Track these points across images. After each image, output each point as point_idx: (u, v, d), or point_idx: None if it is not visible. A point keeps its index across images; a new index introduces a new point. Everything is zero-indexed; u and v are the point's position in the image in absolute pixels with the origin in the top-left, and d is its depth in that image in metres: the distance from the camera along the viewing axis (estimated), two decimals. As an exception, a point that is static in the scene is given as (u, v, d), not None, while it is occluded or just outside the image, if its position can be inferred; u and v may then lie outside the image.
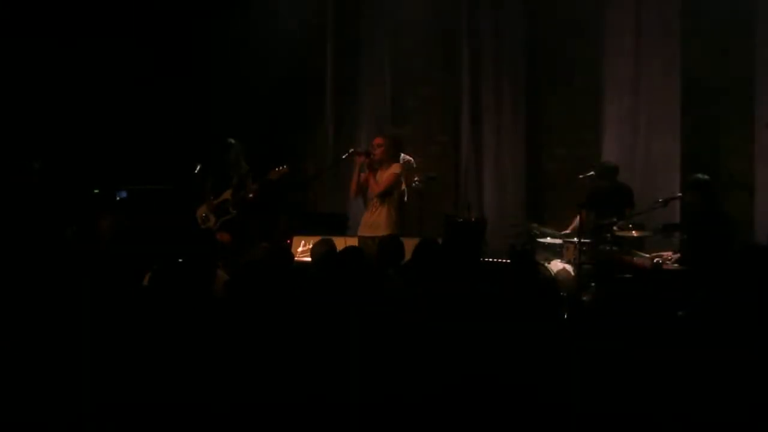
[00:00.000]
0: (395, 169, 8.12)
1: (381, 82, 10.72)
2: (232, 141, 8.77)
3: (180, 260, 5.91)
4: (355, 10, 10.78)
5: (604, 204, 8.54)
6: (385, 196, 8.01)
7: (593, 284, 8.07)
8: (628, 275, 7.75)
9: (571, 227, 8.64)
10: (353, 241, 7.56)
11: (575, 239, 8.21)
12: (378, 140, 8.17)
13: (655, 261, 7.70)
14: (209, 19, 10.73)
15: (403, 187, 8.28)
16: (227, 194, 8.67)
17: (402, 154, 8.80)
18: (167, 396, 3.82)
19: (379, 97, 10.72)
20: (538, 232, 8.87)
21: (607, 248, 8.18)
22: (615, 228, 8.16)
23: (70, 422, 3.75)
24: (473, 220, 9.22)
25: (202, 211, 8.77)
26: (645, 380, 3.77)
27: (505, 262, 7.86)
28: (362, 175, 8.13)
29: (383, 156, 8.04)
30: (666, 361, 3.87)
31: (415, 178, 8.77)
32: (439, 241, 6.65)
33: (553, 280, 7.57)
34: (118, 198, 9.62)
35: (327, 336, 4.31)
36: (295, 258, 8.26)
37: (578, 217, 8.37)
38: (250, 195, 8.60)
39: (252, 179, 8.70)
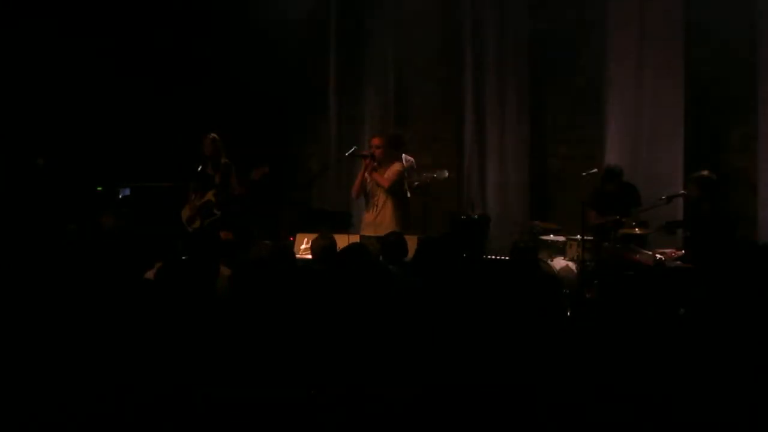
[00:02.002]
0: (398, 166, 8.12)
1: (384, 80, 10.73)
2: (214, 135, 8.73)
3: (183, 257, 5.94)
4: (358, 8, 10.78)
5: (611, 206, 8.54)
6: (390, 193, 8.00)
7: (596, 281, 8.07)
8: (630, 272, 7.75)
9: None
10: (356, 239, 7.55)
11: (578, 237, 8.21)
12: (376, 141, 8.14)
13: (657, 258, 7.71)
14: (212, 17, 10.73)
15: (405, 185, 8.29)
16: (210, 195, 8.62)
17: (403, 155, 8.80)
18: (168, 392, 3.83)
19: (382, 95, 10.73)
20: (541, 230, 8.88)
21: (610, 245, 8.19)
22: (619, 226, 8.17)
23: (72, 418, 3.76)
24: (476, 217, 9.22)
25: (186, 213, 8.73)
26: (646, 377, 3.78)
27: (507, 259, 7.87)
28: (366, 176, 8.11)
29: (383, 156, 8.03)
30: (667, 358, 3.88)
31: (415, 183, 8.77)
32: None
33: (555, 276, 7.58)
34: (120, 195, 9.64)
35: (331, 332, 4.33)
36: (299, 255, 8.28)
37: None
38: (236, 192, 8.57)
39: (236, 176, 8.67)
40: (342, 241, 6.67)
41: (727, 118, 9.50)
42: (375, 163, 8.06)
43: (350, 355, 4.17)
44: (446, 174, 9.01)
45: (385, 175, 8.02)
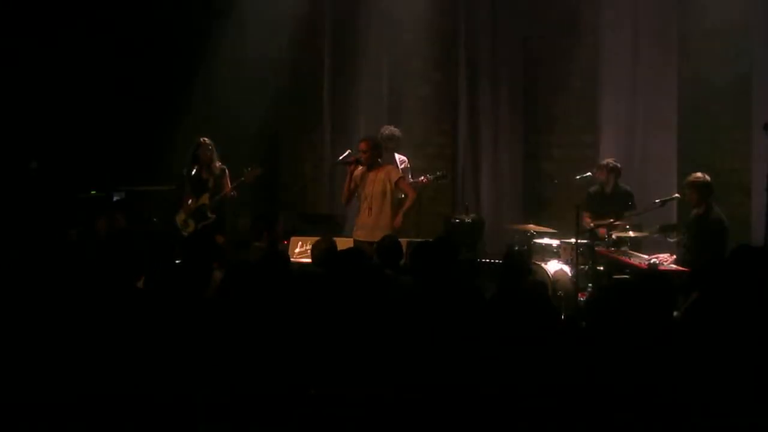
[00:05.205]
0: (395, 173, 8.06)
1: (378, 82, 10.72)
2: (205, 140, 8.72)
3: (176, 262, 5.93)
4: (352, 11, 10.78)
5: (606, 209, 8.54)
6: (386, 197, 7.95)
7: (590, 285, 8.08)
8: (624, 276, 7.76)
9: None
10: (349, 243, 7.51)
11: (572, 240, 8.21)
12: (362, 145, 8.09)
13: (652, 261, 7.72)
14: (207, 21, 10.72)
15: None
16: (204, 198, 8.61)
17: (396, 155, 8.80)
18: (164, 395, 3.84)
19: (376, 97, 10.71)
20: (535, 233, 8.88)
21: (604, 249, 8.20)
22: (613, 229, 8.19)
23: (67, 418, 3.77)
24: (470, 220, 9.22)
25: (180, 217, 8.72)
26: (641, 380, 3.79)
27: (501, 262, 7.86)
28: (356, 179, 8.08)
29: (370, 160, 8.00)
30: (662, 361, 3.88)
31: (421, 178, 8.76)
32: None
33: (543, 283, 7.58)
34: (114, 199, 9.62)
35: (326, 335, 4.33)
36: (293, 258, 8.28)
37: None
38: (232, 193, 8.57)
39: (230, 179, 8.67)
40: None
41: (722, 121, 9.52)
42: (364, 165, 8.02)
43: (346, 356, 4.18)
44: (440, 174, 8.93)
45: (400, 186, 7.97)
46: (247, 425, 3.80)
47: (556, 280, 8.26)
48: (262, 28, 10.69)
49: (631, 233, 8.19)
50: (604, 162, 8.87)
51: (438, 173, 8.83)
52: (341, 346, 4.24)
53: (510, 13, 10.26)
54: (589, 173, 8.95)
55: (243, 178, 8.62)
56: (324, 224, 9.37)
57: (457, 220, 9.26)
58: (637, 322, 4.15)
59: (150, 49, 10.41)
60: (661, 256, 7.94)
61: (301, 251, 8.45)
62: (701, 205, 7.81)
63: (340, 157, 8.61)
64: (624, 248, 8.12)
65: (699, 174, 7.91)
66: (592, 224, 8.41)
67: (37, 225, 8.63)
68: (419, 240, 6.74)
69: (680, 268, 7.52)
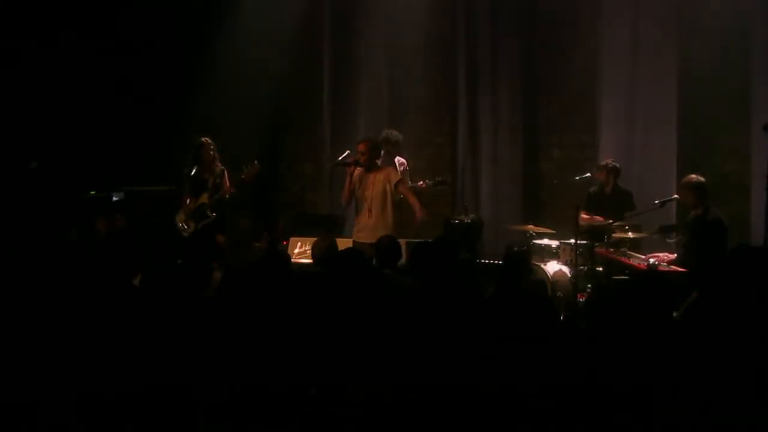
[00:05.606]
0: (395, 175, 8.06)
1: (378, 83, 10.72)
2: (207, 140, 8.70)
3: (177, 261, 5.94)
4: (352, 11, 10.78)
5: (606, 210, 8.54)
6: (386, 198, 7.95)
7: (589, 285, 8.08)
8: (624, 276, 7.76)
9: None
10: (349, 244, 7.50)
11: (571, 241, 8.21)
12: (361, 147, 8.07)
13: (651, 262, 7.71)
14: (207, 21, 10.73)
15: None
16: (204, 198, 8.59)
17: (397, 157, 8.79)
18: (162, 394, 3.85)
19: (376, 98, 10.71)
20: (534, 234, 8.88)
21: (604, 249, 8.19)
22: (611, 229, 8.19)
23: (67, 418, 3.77)
24: (470, 221, 9.22)
25: (180, 218, 8.70)
26: (639, 381, 3.79)
27: (500, 263, 7.85)
28: (355, 180, 8.08)
29: (368, 162, 7.99)
30: (661, 362, 3.88)
31: (420, 183, 8.76)
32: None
33: (543, 282, 7.57)
34: (114, 199, 9.61)
35: (326, 334, 4.33)
36: (293, 259, 8.28)
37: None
38: (227, 196, 8.54)
39: (229, 179, 8.66)
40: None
41: (721, 121, 9.52)
42: (363, 166, 8.02)
43: (345, 357, 4.18)
44: (439, 179, 8.92)
45: (399, 189, 7.96)
46: (247, 425, 3.80)
47: (555, 280, 8.26)
48: (263, 28, 10.69)
49: (630, 234, 8.19)
50: (604, 162, 8.89)
51: (437, 179, 8.81)
52: (341, 347, 4.24)
53: (510, 13, 10.26)
54: (588, 174, 8.96)
55: (243, 176, 8.59)
56: (324, 224, 9.36)
57: (457, 221, 9.24)
58: (637, 323, 4.15)
59: (150, 49, 10.41)
60: (660, 256, 7.94)
61: (301, 251, 8.45)
62: (699, 206, 7.81)
63: (339, 158, 8.59)
64: (623, 249, 8.12)
65: (692, 176, 7.91)
66: (587, 216, 8.41)
67: (37, 225, 8.64)
68: (418, 240, 6.73)
69: (679, 268, 7.52)
